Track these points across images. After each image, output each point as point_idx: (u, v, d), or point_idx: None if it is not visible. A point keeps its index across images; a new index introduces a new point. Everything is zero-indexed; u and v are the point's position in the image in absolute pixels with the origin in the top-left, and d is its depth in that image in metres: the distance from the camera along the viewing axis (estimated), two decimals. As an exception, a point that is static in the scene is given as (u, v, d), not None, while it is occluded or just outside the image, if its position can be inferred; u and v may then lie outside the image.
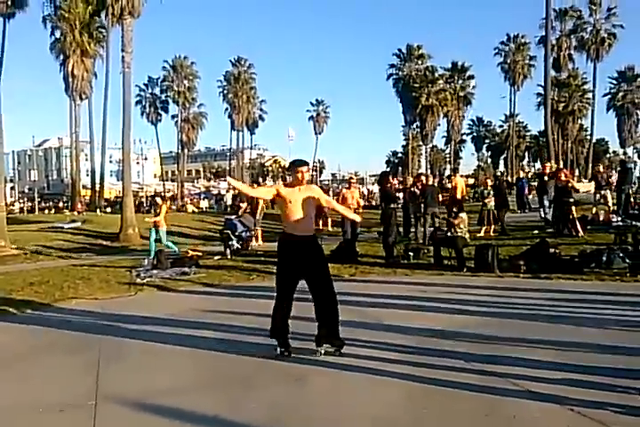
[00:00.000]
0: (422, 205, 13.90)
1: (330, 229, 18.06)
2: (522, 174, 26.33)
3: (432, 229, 13.93)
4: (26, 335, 6.65)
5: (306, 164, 5.34)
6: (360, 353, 5.15)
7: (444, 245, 10.39)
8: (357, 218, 6.39)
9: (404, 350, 5.24)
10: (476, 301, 7.34)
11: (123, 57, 17.36)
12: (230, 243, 13.11)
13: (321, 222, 17.62)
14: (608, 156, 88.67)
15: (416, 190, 13.94)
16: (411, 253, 11.14)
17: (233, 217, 13.71)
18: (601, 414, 3.66)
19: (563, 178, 12.95)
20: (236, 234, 13.19)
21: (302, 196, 5.18)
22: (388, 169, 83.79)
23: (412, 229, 14.24)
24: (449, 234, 10.39)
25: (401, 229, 13.80)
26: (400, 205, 13.95)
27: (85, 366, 5.27)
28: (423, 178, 14.70)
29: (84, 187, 49.19)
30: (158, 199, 14.95)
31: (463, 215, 10.52)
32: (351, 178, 15.76)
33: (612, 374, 4.36)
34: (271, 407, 4.08)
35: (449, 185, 18.69)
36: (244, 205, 14.69)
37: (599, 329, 5.71)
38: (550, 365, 4.62)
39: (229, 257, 12.73)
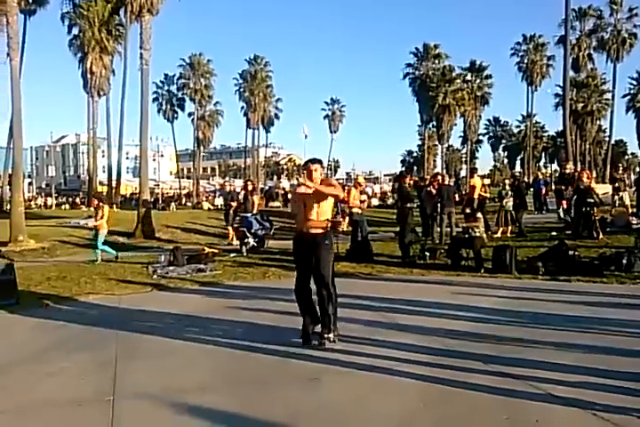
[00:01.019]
0: (439, 205, 13.85)
1: (345, 228, 17.98)
2: (540, 175, 26.03)
3: (448, 229, 13.88)
4: (44, 330, 6.69)
5: (314, 162, 5.48)
6: (376, 353, 5.11)
7: (461, 246, 10.31)
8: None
9: (421, 350, 5.19)
10: (494, 302, 7.27)
11: (141, 54, 17.42)
12: (246, 240, 13.13)
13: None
14: (626, 157, 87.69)
15: (432, 190, 13.86)
16: (427, 253, 11.07)
17: (249, 215, 13.69)
18: (625, 420, 3.60)
19: (585, 179, 12.80)
20: (252, 232, 13.20)
21: (309, 194, 5.39)
22: (404, 168, 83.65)
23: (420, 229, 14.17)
24: (467, 235, 10.31)
25: (418, 229, 13.73)
26: (416, 205, 13.88)
27: (103, 362, 5.28)
28: (439, 177, 14.62)
29: (101, 183, 49.54)
30: (95, 201, 13.86)
31: (479, 215, 10.46)
32: (357, 177, 16.14)
33: (635, 378, 4.28)
34: (287, 407, 4.05)
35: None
36: (234, 204, 14.50)
37: (621, 333, 5.61)
38: (571, 368, 4.56)
39: (245, 254, 12.74)
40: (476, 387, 4.23)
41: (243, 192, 15.09)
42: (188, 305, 7.74)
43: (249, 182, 15.60)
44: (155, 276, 10.27)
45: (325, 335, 5.39)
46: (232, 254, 12.81)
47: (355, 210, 12.29)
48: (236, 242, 14.47)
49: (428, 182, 14.37)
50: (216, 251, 12.70)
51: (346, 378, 4.60)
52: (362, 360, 4.92)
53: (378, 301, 7.45)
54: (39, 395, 4.50)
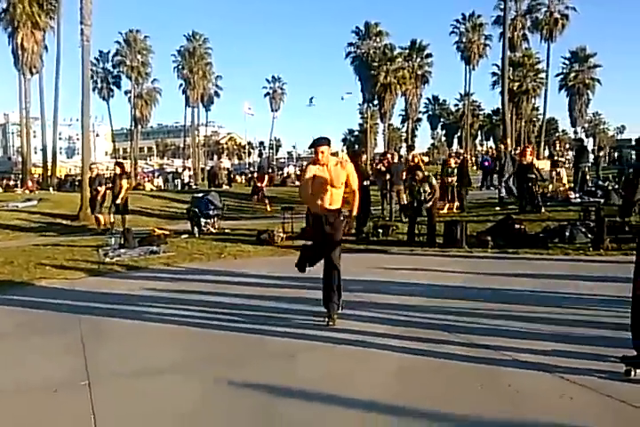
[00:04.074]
0: (388, 183, 14.06)
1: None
2: (490, 151, 26.50)
3: (397, 206, 14.11)
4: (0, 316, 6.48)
5: (320, 143, 5.34)
6: (348, 328, 5.21)
7: (420, 215, 10.43)
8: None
9: (388, 322, 5.35)
10: (451, 275, 7.53)
11: (82, 30, 16.61)
12: (197, 221, 12.98)
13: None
14: (557, 134, 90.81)
15: (382, 168, 14.05)
16: (380, 231, 11.26)
17: (200, 195, 13.51)
18: (589, 381, 3.83)
19: (528, 155, 13.25)
20: (204, 212, 13.06)
21: (319, 174, 5.33)
22: (345, 147, 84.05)
23: (379, 207, 14.37)
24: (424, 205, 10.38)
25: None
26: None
27: (69, 347, 5.18)
28: (389, 156, 14.82)
29: (35, 165, 47.59)
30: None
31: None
32: None
33: (591, 342, 4.55)
34: (266, 384, 4.08)
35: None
36: (102, 189, 14.02)
37: (574, 302, 5.94)
38: (532, 335, 4.81)
39: (197, 236, 12.62)
40: (448, 356, 4.41)
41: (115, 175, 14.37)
42: (146, 287, 7.64)
43: (118, 165, 14.85)
44: (107, 259, 10.04)
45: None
46: (183, 236, 12.66)
47: None
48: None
49: (378, 161, 14.53)
50: (167, 232, 12.51)
51: (323, 353, 4.69)
52: (336, 335, 5.03)
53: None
54: (8, 383, 4.37)
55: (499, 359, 4.33)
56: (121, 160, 16.71)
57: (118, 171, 14.36)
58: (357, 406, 3.66)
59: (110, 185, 14.43)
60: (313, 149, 5.40)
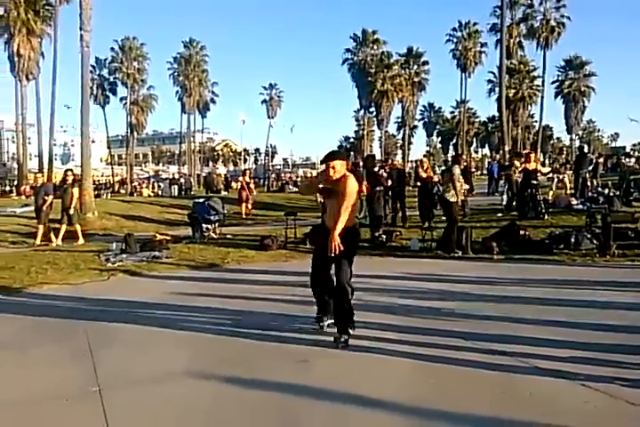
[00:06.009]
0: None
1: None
2: (497, 157, 26.46)
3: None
4: (2, 323, 6.35)
5: (333, 157, 4.86)
6: (360, 334, 5.12)
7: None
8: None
9: (402, 329, 5.25)
10: (460, 281, 7.44)
11: (81, 36, 16.53)
12: (199, 227, 12.89)
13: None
14: (552, 142, 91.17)
15: (384, 173, 13.99)
16: (383, 236, 11.19)
17: (201, 200, 13.42)
18: (610, 388, 3.77)
19: (532, 162, 13.21)
20: (205, 218, 12.98)
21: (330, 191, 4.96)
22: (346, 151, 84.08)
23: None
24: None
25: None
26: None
27: (76, 353, 5.06)
28: (390, 161, 14.78)
29: (30, 171, 47.42)
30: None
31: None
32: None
33: (609, 349, 4.50)
34: (279, 389, 4.00)
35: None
36: (49, 198, 13.54)
37: (591, 307, 5.88)
38: (551, 343, 4.73)
39: (198, 241, 12.51)
40: (465, 363, 4.34)
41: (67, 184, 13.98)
42: (150, 292, 7.55)
43: (69, 173, 14.30)
44: (109, 264, 9.93)
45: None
46: (185, 241, 12.57)
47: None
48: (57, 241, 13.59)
49: (380, 166, 14.49)
50: (168, 238, 12.41)
51: (335, 359, 4.60)
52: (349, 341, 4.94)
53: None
54: (17, 391, 4.25)
55: (517, 366, 4.26)
56: (71, 167, 15.80)
57: (70, 179, 13.92)
58: (371, 412, 3.59)
59: (59, 194, 14.00)
60: (325, 166, 4.87)
